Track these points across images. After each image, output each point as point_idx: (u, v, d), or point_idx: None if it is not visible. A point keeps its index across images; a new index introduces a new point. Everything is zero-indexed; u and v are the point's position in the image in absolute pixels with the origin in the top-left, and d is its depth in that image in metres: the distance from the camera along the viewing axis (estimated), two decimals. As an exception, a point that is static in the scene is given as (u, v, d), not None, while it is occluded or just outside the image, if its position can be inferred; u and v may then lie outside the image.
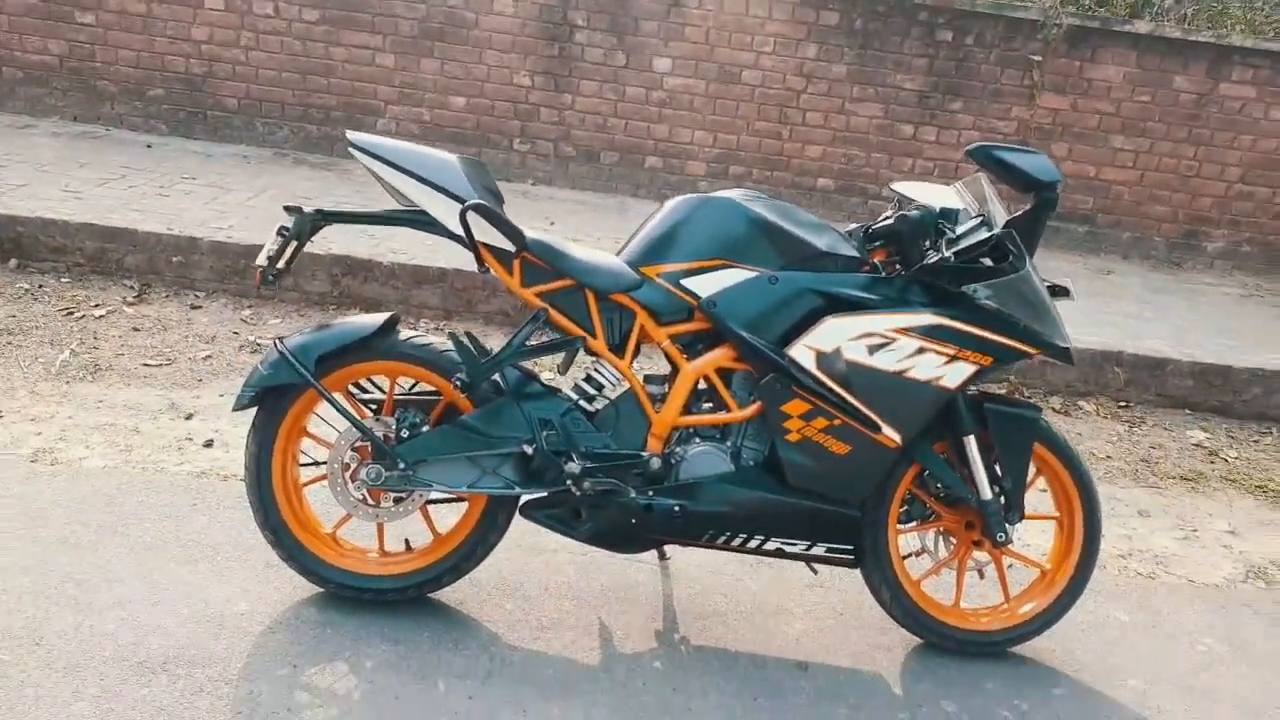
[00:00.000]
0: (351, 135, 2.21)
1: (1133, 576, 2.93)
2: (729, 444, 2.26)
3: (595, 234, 5.03)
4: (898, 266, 2.29)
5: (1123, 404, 4.28)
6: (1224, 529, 3.32)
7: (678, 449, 2.25)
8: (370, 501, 2.25)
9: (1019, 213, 2.23)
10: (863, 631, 2.45)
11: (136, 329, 3.85)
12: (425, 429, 2.22)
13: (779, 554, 2.28)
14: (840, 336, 2.14)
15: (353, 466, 2.24)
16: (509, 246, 2.16)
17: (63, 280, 4.17)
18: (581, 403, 2.27)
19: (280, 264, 2.19)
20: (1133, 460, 3.78)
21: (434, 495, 2.25)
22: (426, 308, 4.29)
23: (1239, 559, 3.12)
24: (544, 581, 2.49)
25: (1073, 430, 3.97)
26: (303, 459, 2.35)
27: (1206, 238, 5.92)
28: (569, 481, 2.17)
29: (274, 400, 2.22)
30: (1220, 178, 5.82)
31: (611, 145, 5.91)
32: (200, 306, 4.13)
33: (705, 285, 2.20)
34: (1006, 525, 2.31)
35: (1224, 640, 2.62)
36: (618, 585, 2.51)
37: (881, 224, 2.28)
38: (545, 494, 2.22)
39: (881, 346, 2.14)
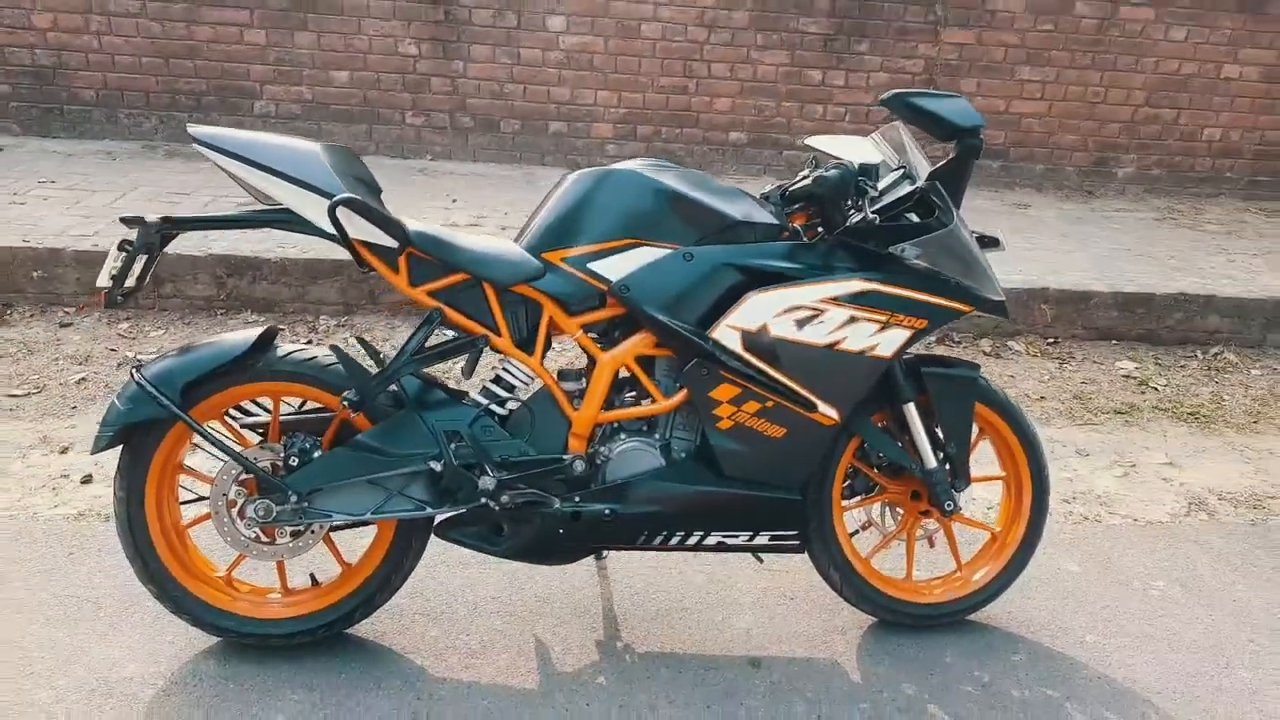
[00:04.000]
0: (193, 129, 1.93)
1: (1078, 522, 2.87)
2: (657, 437, 2.08)
3: (501, 208, 4.77)
4: (819, 230, 2.13)
5: (1051, 340, 4.24)
6: (1161, 460, 3.30)
7: (602, 448, 2.06)
8: (264, 539, 2.01)
9: (942, 162, 2.08)
10: (815, 616, 2.33)
11: (-1, 356, 3.48)
12: (318, 454, 1.99)
13: (720, 548, 2.12)
14: (765, 312, 1.97)
15: (239, 503, 2.00)
16: (390, 243, 1.93)
17: (-90, 308, 3.75)
18: (492, 407, 2.07)
19: (129, 281, 1.92)
20: (1066, 398, 3.74)
21: (336, 523, 2.03)
22: (325, 304, 3.99)
23: (1180, 492, 3.09)
24: (471, 600, 2.29)
25: (1005, 373, 3.91)
26: (183, 495, 2.10)
27: (1116, 164, 5.93)
28: (484, 497, 1.97)
29: (140, 438, 1.96)
30: (1126, 102, 5.81)
31: (511, 112, 5.61)
32: (70, 324, 3.76)
33: (615, 268, 2.00)
34: (953, 493, 2.20)
35: (1175, 581, 2.57)
36: (552, 594, 2.33)
37: (799, 185, 2.10)
38: (461, 512, 2.02)
39: (810, 319, 1.98)
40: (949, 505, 2.19)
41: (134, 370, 1.94)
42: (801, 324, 1.97)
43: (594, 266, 2.00)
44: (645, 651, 2.16)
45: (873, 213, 1.99)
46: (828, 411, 2.03)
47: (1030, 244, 4.85)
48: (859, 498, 2.27)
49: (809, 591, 2.40)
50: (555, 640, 2.18)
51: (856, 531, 2.31)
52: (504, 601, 2.29)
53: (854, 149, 2.27)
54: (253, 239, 4.05)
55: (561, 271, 2.01)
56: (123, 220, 1.93)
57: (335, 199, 1.84)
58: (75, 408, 3.18)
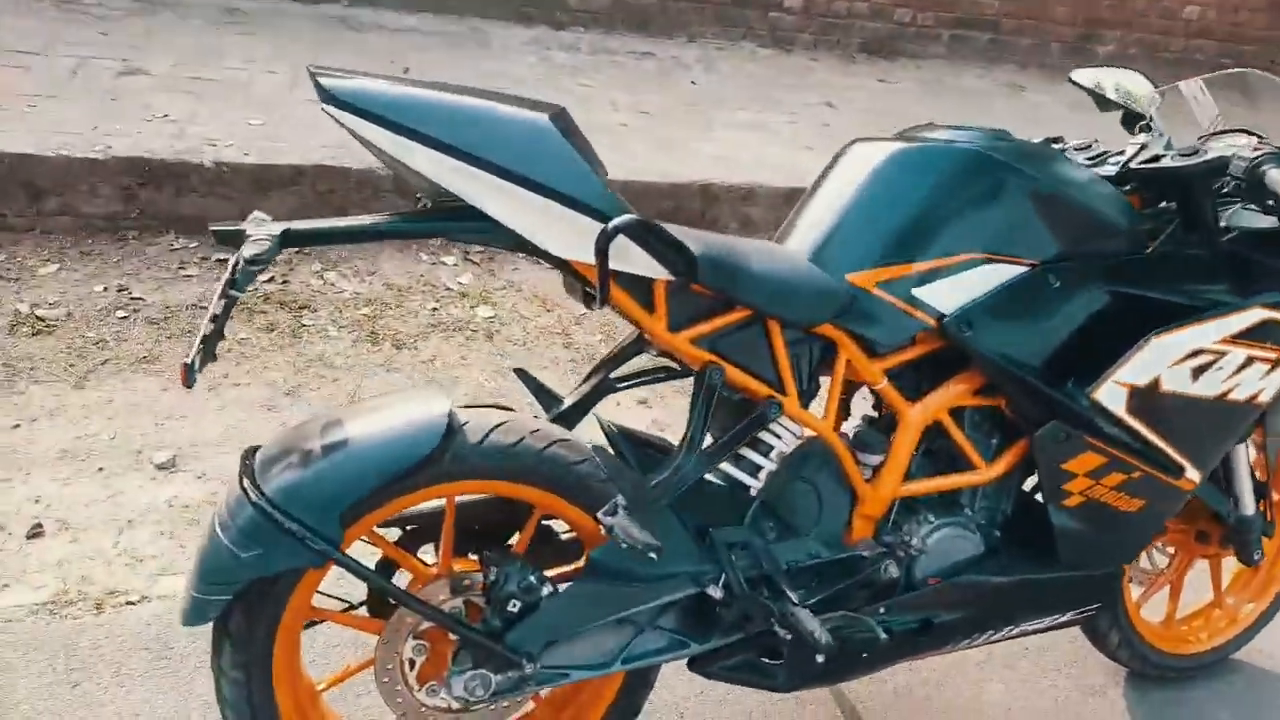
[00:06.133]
0: (330, 83, 1.11)
1: None
2: (968, 514, 1.55)
3: (468, 83, 3.81)
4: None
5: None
6: None
7: (909, 537, 1.50)
8: (453, 708, 1.36)
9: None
10: (1061, 672, 1.95)
11: None
12: (546, 591, 1.32)
13: (1020, 635, 1.67)
14: (1161, 361, 1.44)
15: (418, 663, 1.32)
16: (660, 274, 1.23)
17: None
18: (743, 477, 1.43)
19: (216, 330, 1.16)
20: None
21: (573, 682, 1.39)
22: (278, 221, 3.04)
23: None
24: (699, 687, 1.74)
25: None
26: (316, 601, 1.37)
27: (1099, 41, 5.58)
28: (780, 625, 1.39)
29: (261, 592, 1.22)
30: (1120, -28, 5.43)
31: (449, -52, 4.49)
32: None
33: (947, 294, 1.40)
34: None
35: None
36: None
37: (1172, 161, 1.50)
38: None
39: (1207, 366, 1.47)
40: (1258, 555, 1.82)
41: (247, 481, 1.17)
42: (1198, 373, 1.46)
43: (920, 293, 1.39)
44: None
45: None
46: (1193, 476, 1.56)
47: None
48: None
49: (1039, 639, 2.01)
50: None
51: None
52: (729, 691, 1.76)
53: (1138, 89, 1.75)
54: (170, 133, 2.98)
55: (874, 300, 1.38)
56: (217, 235, 1.12)
57: (617, 224, 1.12)
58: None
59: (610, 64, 4.33)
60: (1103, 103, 1.83)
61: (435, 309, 2.87)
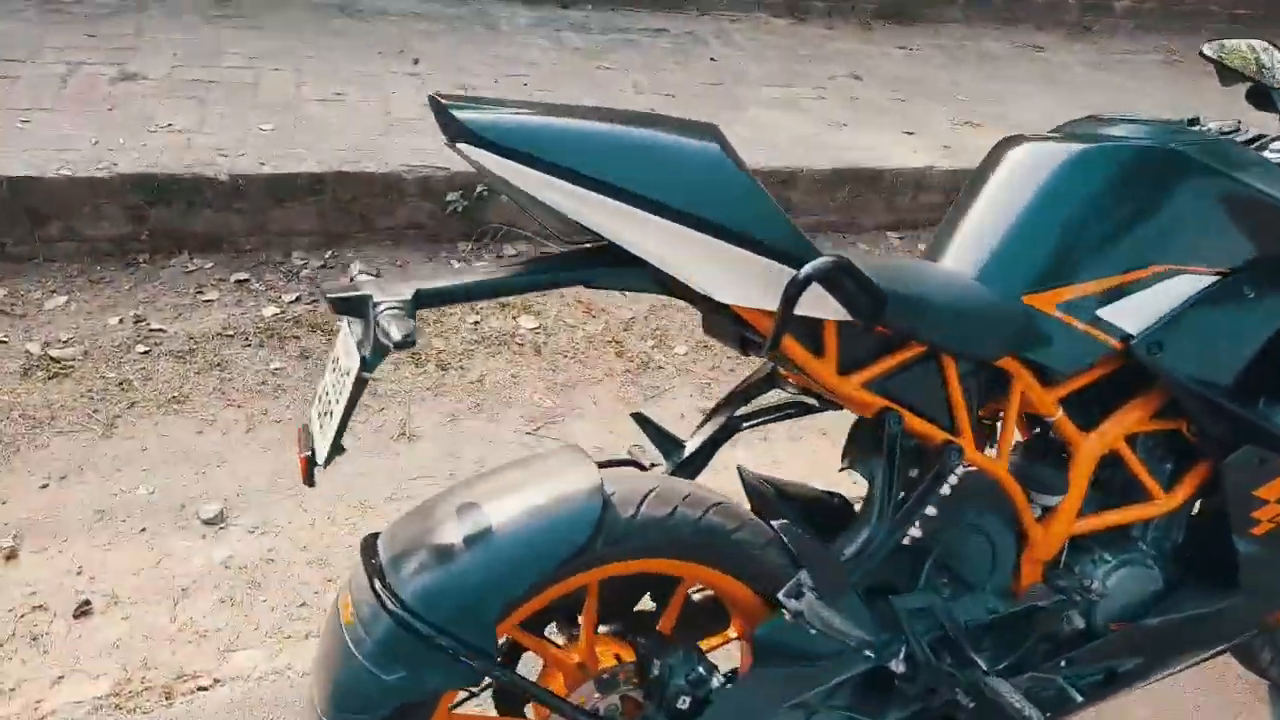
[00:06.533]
0: (465, 115, 0.92)
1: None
2: (1144, 547, 1.41)
3: (485, 74, 3.58)
4: None
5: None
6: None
7: (1082, 577, 1.36)
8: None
9: None
10: (1201, 690, 1.83)
11: None
12: (715, 681, 1.16)
13: (1189, 668, 1.53)
14: (1362, 375, 1.29)
15: (574, 770, 1.16)
16: (836, 316, 1.06)
17: None
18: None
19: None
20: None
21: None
22: (297, 234, 2.83)
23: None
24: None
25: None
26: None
27: (1118, -5, 5.42)
28: (966, 695, 1.24)
29: (403, 712, 1.05)
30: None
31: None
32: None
33: (1133, 312, 1.24)
34: None
35: None
36: None
37: None
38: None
39: (1403, 375, 1.33)
40: None
41: (379, 584, 0.99)
42: (1391, 384, 1.32)
43: (1105, 312, 1.23)
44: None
45: None
46: (1376, 491, 1.42)
47: (1075, 101, 4.30)
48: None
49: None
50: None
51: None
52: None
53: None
54: (178, 144, 2.75)
55: (1054, 323, 1.22)
56: (335, 305, 0.93)
57: (812, 271, 0.95)
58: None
59: (625, 43, 4.11)
60: (1226, 75, 1.65)
61: (476, 322, 2.68)
